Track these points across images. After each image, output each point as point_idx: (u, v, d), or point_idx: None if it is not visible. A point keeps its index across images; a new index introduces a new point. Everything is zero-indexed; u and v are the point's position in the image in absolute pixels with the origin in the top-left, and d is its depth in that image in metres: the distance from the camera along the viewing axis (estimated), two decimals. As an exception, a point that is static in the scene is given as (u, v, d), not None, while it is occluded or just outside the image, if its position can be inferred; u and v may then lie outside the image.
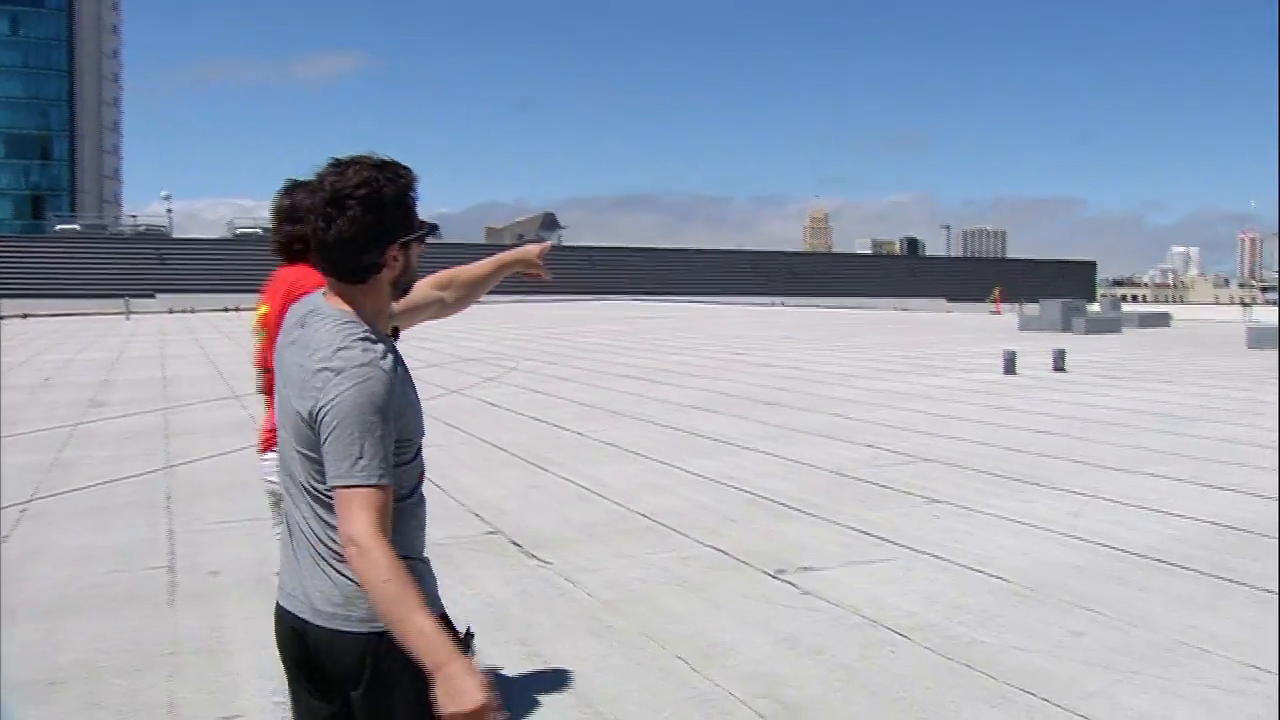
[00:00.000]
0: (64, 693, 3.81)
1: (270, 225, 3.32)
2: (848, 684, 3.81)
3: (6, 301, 46.96)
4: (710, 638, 4.30)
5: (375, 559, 1.75)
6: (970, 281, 76.87)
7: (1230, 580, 5.00)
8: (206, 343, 25.73)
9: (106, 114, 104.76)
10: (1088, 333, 25.38)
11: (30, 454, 9.06)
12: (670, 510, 6.57)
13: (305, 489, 1.90)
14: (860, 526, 6.11)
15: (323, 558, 1.89)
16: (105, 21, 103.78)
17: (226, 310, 47.05)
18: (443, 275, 2.45)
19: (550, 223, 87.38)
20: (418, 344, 20.55)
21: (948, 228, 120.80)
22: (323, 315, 1.91)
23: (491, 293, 2.63)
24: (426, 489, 2.03)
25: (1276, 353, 17.66)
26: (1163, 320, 31.43)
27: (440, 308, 2.43)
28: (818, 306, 51.45)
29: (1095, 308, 36.03)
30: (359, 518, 1.77)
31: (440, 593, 1.97)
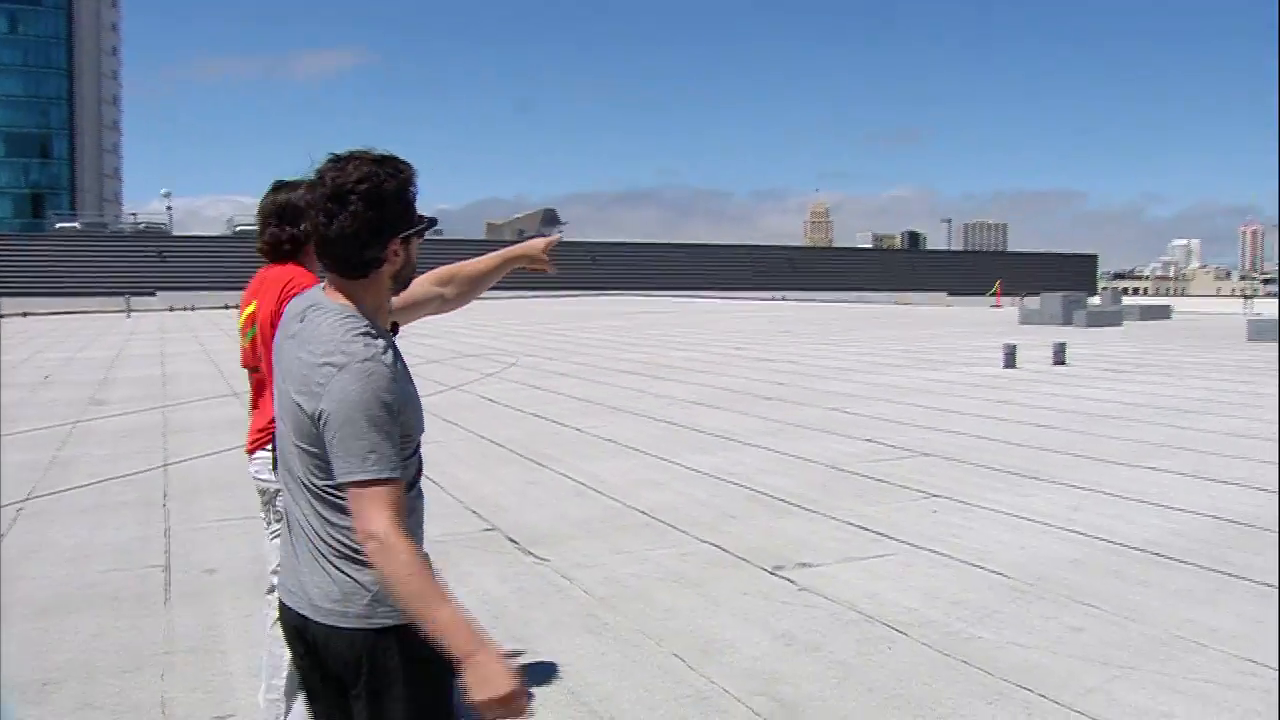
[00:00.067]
0: (58, 692, 3.80)
1: (258, 226, 3.29)
2: (844, 681, 3.79)
3: (7, 300, 46.92)
4: (707, 634, 4.28)
5: (398, 554, 1.76)
6: (971, 275, 76.76)
7: (1230, 575, 4.98)
8: (206, 340, 25.71)
9: (106, 112, 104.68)
10: (1088, 326, 25.34)
11: (29, 452, 9.05)
12: (668, 506, 6.56)
13: (304, 485, 1.89)
14: (858, 522, 6.10)
15: (321, 554, 1.89)
16: (104, 19, 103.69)
17: (227, 308, 47.01)
18: (444, 271, 2.44)
19: (551, 218, 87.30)
20: (418, 340, 20.54)
21: (948, 221, 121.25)
22: (324, 310, 1.91)
23: (492, 288, 2.61)
24: (425, 485, 2.03)
25: (1277, 345, 17.62)
26: (1164, 313, 31.38)
27: (441, 303, 2.43)
28: (818, 301, 51.41)
29: (1096, 301, 35.98)
30: (377, 513, 1.78)
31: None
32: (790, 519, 6.24)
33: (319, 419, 1.82)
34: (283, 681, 3.18)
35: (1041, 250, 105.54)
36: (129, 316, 42.23)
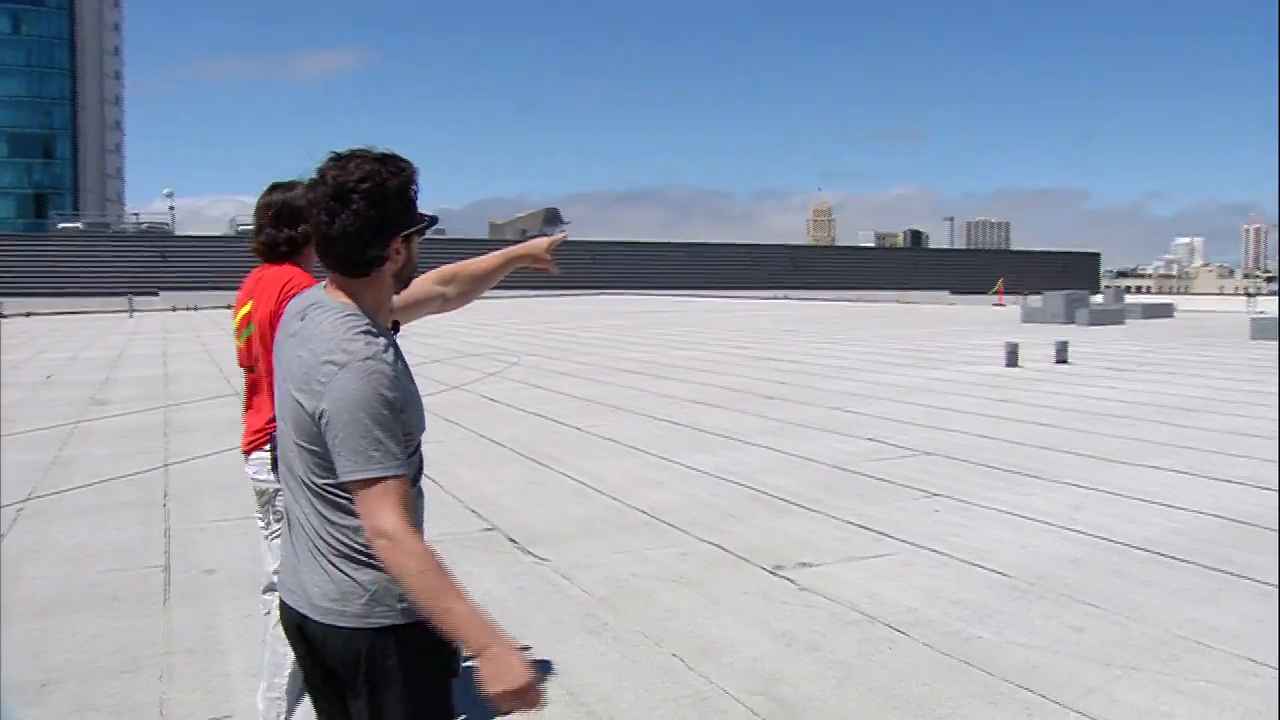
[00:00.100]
0: (56, 693, 3.79)
1: (253, 226, 3.28)
2: (844, 681, 3.78)
3: (10, 300, 46.95)
4: (707, 635, 4.27)
5: (410, 550, 1.77)
6: (974, 273, 76.64)
7: (1231, 574, 4.96)
8: (209, 340, 25.73)
9: (109, 112, 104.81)
10: (1091, 324, 25.32)
11: (30, 452, 9.06)
12: (669, 506, 6.55)
13: (305, 484, 1.89)
14: (859, 521, 6.08)
15: (320, 553, 1.89)
16: (107, 19, 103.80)
17: (229, 307, 46.91)
18: (446, 270, 2.45)
19: (553, 218, 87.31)
20: (420, 339, 20.54)
21: (951, 220, 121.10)
22: (325, 308, 1.91)
23: (494, 287, 2.61)
24: (425, 485, 2.03)
25: (1277, 343, 17.59)
26: (1166, 311, 31.34)
27: (442, 303, 2.43)
28: (821, 299, 51.39)
29: (1099, 299, 35.94)
30: (385, 510, 1.78)
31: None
32: (791, 518, 6.22)
33: (320, 417, 1.82)
34: (284, 680, 3.17)
35: (1044, 249, 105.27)
36: (131, 316, 42.24)
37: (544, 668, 3.91)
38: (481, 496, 6.94)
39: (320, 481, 1.86)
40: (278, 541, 3.08)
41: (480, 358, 18.27)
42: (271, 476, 3.16)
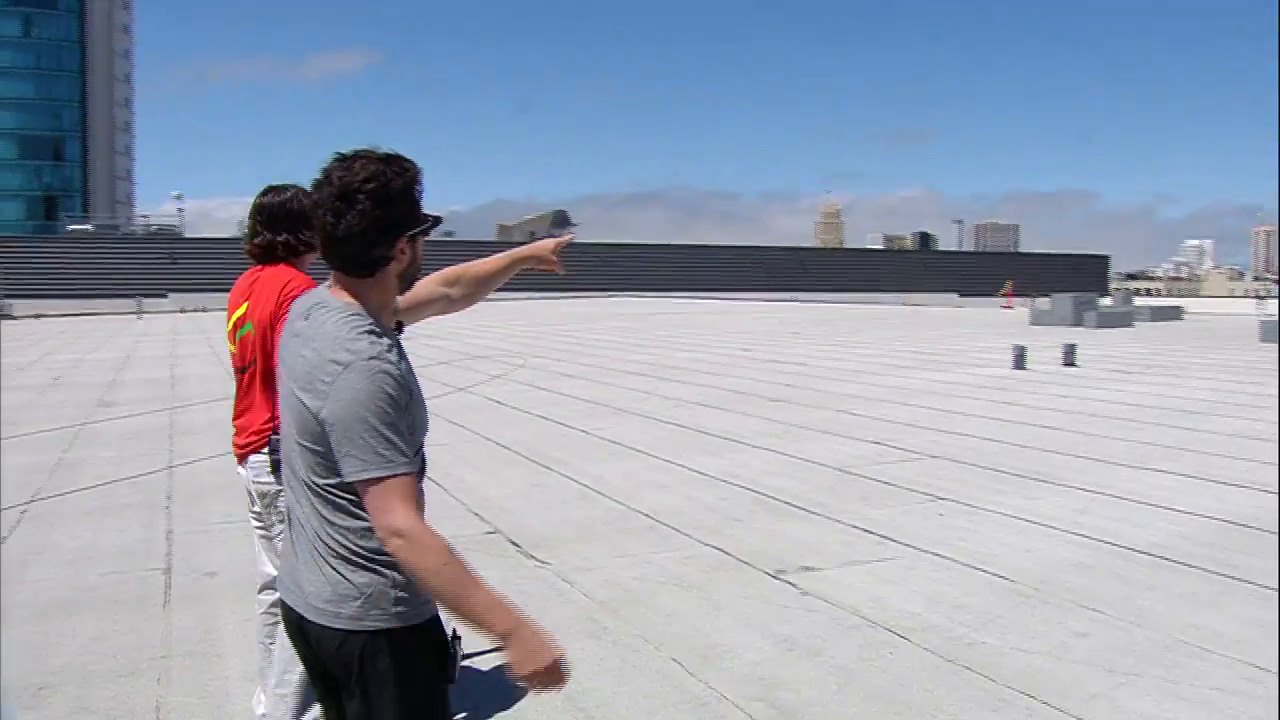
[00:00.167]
0: (54, 696, 3.79)
1: (248, 228, 3.27)
2: (845, 687, 3.76)
3: (19, 302, 47.17)
4: (707, 639, 4.25)
5: (426, 547, 1.78)
6: (983, 276, 76.47)
7: (1235, 578, 4.93)
8: (217, 342, 25.77)
9: (118, 114, 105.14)
10: (1099, 327, 25.24)
11: (36, 454, 9.07)
12: (672, 509, 6.53)
13: (306, 484, 1.90)
14: (863, 525, 6.06)
15: (319, 553, 1.89)
16: (116, 21, 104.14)
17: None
18: (450, 271, 2.45)
19: (562, 220, 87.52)
20: (425, 341, 20.57)
21: (960, 222, 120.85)
22: (329, 308, 1.91)
23: (500, 289, 2.60)
24: (429, 488, 2.03)
25: (1277, 347, 17.51)
26: (1175, 314, 31.25)
27: (447, 303, 2.43)
28: (828, 302, 51.32)
29: (1107, 302, 35.85)
30: (397, 508, 1.78)
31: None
32: (795, 522, 6.20)
33: (324, 417, 1.82)
34: (296, 676, 3.14)
35: (1054, 251, 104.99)
36: (140, 318, 42.37)
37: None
38: (485, 499, 6.93)
39: (321, 482, 1.86)
40: (278, 541, 3.08)
41: (486, 360, 18.27)
42: (272, 478, 3.16)
